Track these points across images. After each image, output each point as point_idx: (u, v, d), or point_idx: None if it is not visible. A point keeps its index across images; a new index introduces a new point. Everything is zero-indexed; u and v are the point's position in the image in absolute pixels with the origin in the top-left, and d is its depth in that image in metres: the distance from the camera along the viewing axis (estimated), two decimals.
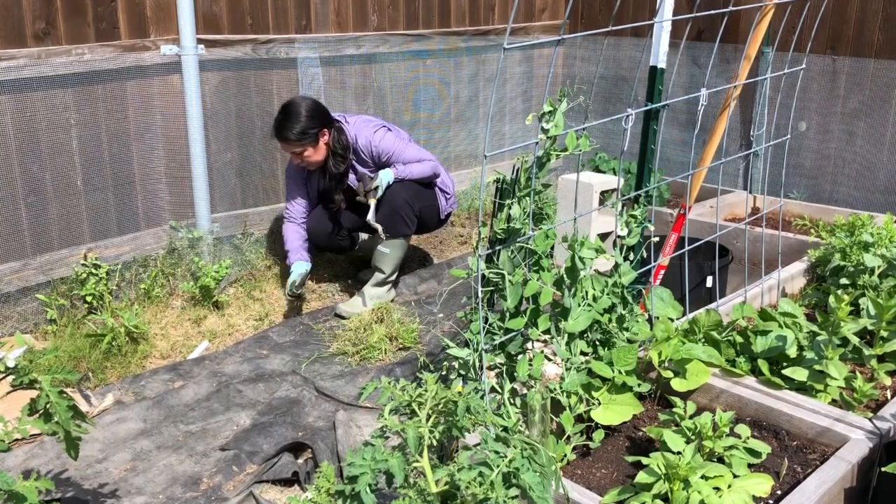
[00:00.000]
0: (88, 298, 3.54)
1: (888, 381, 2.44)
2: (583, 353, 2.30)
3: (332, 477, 2.16)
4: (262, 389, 3.19)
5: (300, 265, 3.83)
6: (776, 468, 2.05)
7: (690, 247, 2.80)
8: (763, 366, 2.37)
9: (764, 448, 2.03)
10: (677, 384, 2.29)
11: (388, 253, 3.81)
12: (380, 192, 3.70)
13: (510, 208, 2.23)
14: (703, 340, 2.47)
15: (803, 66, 3.12)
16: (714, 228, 3.31)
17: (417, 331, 3.56)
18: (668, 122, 4.96)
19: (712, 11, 3.59)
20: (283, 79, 4.13)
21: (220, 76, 3.92)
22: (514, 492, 1.55)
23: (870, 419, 2.15)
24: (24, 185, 3.43)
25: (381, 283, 3.86)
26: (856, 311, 2.64)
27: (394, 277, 3.91)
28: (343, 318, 3.75)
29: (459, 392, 1.68)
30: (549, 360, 2.26)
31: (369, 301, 3.81)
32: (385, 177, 3.73)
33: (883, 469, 1.88)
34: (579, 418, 2.21)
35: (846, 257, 3.04)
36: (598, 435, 2.17)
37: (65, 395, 1.98)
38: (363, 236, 4.26)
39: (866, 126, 4.32)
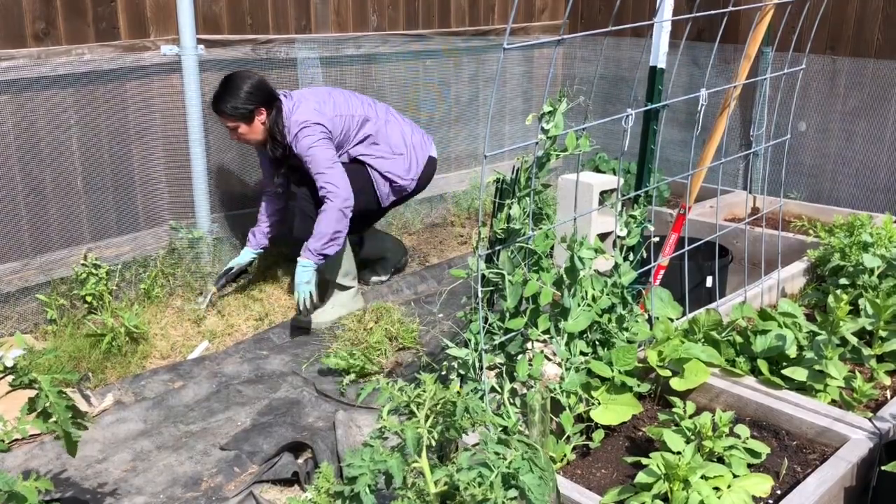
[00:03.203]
0: (88, 298, 3.54)
1: (887, 381, 2.44)
2: (582, 353, 2.30)
3: (332, 477, 2.16)
4: (262, 389, 3.19)
5: (244, 254, 3.84)
6: (776, 468, 2.05)
7: (690, 247, 2.79)
8: (763, 366, 2.37)
9: (763, 448, 2.03)
10: (676, 383, 2.29)
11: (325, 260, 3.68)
12: (304, 296, 3.53)
13: (510, 208, 2.23)
14: (702, 340, 2.47)
15: (803, 65, 3.12)
16: (714, 228, 3.31)
17: (417, 331, 3.56)
18: (667, 122, 4.96)
19: (712, 11, 3.59)
20: (283, 79, 4.13)
21: (221, 76, 3.90)
22: (513, 493, 1.55)
23: (869, 419, 2.15)
24: (24, 185, 3.43)
25: (341, 290, 3.77)
26: (855, 311, 2.64)
27: (352, 282, 3.79)
28: (303, 328, 3.69)
29: (458, 392, 1.68)
30: (549, 360, 2.26)
31: (332, 311, 3.73)
32: (302, 278, 3.51)
33: (883, 468, 1.88)
34: (579, 418, 2.21)
35: (845, 257, 3.04)
36: (598, 435, 2.18)
37: (64, 395, 1.98)
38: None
39: (866, 125, 4.32)
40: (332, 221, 3.47)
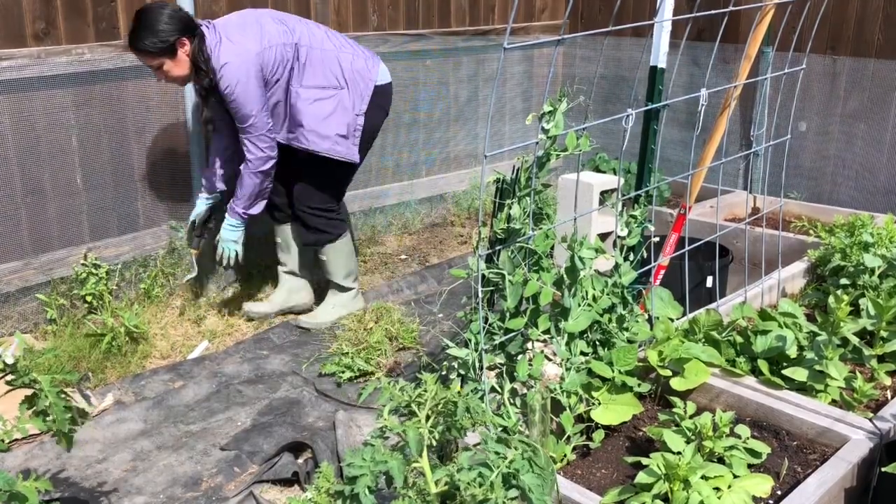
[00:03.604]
0: (88, 298, 3.54)
1: (888, 381, 2.44)
2: (583, 353, 2.30)
3: (332, 477, 2.16)
4: (262, 389, 3.19)
5: (198, 204, 3.62)
6: (776, 468, 2.04)
7: (690, 247, 2.79)
8: (763, 366, 2.37)
9: (764, 448, 2.03)
10: (677, 383, 2.29)
11: (326, 259, 3.66)
12: (230, 252, 3.51)
13: (510, 208, 2.23)
14: (703, 340, 2.47)
15: (803, 66, 3.12)
16: (714, 228, 3.31)
17: (417, 331, 3.56)
18: (668, 122, 4.95)
19: (712, 11, 3.59)
20: None
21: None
22: (513, 493, 1.55)
23: (870, 419, 2.15)
24: (23, 184, 3.43)
25: (341, 290, 3.75)
26: (856, 312, 2.64)
27: (354, 283, 3.77)
28: (304, 329, 3.69)
29: (459, 392, 1.68)
30: (549, 360, 2.26)
31: (332, 311, 3.71)
32: (230, 236, 3.48)
33: (883, 469, 1.87)
34: (579, 418, 2.21)
35: (846, 257, 3.04)
36: (598, 435, 2.17)
37: (63, 396, 1.97)
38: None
39: (866, 126, 4.32)
40: (251, 184, 3.39)
